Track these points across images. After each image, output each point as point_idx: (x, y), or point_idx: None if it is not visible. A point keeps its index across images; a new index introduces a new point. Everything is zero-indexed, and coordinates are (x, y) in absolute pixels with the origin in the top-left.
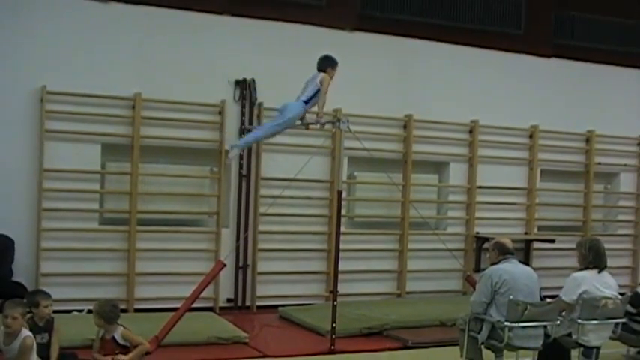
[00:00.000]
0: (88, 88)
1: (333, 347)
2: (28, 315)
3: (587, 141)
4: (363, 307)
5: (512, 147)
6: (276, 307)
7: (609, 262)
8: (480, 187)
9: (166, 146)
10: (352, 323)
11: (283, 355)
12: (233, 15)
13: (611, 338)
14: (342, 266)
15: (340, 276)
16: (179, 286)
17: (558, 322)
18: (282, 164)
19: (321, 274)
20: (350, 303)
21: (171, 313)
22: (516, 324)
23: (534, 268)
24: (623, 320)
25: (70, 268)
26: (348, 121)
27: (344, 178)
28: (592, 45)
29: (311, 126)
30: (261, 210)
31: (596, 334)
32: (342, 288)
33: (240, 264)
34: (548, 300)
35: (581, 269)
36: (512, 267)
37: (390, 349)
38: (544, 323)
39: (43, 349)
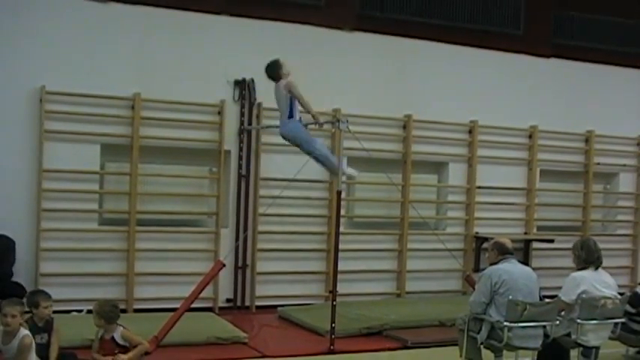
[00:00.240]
0: (87, 88)
1: (332, 347)
2: (28, 315)
3: (587, 141)
4: (362, 308)
5: (512, 147)
6: (275, 307)
7: (608, 262)
8: (479, 187)
9: (165, 146)
10: (351, 323)
11: (282, 355)
12: (232, 15)
13: (610, 338)
14: (341, 266)
15: (339, 276)
16: (178, 287)
17: (557, 322)
18: (281, 164)
19: (320, 274)
20: (349, 303)
21: (171, 314)
22: (516, 324)
23: (533, 268)
24: (623, 320)
25: (70, 269)
26: (347, 121)
27: (343, 178)
28: (591, 45)
29: (310, 126)
30: (261, 210)
31: (596, 334)
32: (341, 288)
33: (240, 264)
34: (547, 300)
35: (578, 270)
36: (511, 267)
37: (389, 349)
38: (543, 323)
39: (43, 350)
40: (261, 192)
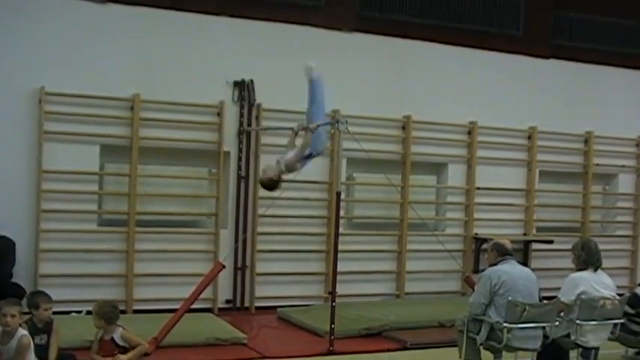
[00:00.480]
0: (86, 89)
1: (331, 348)
2: (27, 316)
3: (586, 142)
4: (361, 308)
5: (511, 148)
6: (274, 308)
7: (608, 263)
8: (478, 188)
9: (165, 147)
10: (351, 324)
11: (282, 356)
12: (232, 16)
13: (609, 339)
14: (340, 267)
15: (339, 277)
16: (178, 287)
17: (557, 323)
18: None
19: (319, 275)
20: (349, 304)
21: (170, 314)
22: (515, 325)
23: (533, 269)
24: (622, 321)
25: (69, 269)
26: (346, 122)
27: (342, 179)
28: (590, 46)
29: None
30: (260, 211)
31: (595, 335)
32: (340, 289)
33: (239, 265)
34: (546, 301)
35: (578, 270)
36: (511, 268)
37: (388, 350)
38: (543, 324)
39: (42, 351)
40: (261, 193)
